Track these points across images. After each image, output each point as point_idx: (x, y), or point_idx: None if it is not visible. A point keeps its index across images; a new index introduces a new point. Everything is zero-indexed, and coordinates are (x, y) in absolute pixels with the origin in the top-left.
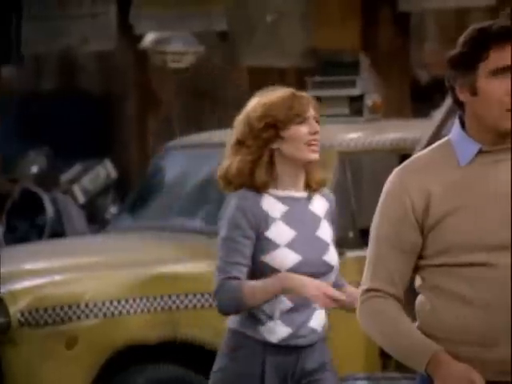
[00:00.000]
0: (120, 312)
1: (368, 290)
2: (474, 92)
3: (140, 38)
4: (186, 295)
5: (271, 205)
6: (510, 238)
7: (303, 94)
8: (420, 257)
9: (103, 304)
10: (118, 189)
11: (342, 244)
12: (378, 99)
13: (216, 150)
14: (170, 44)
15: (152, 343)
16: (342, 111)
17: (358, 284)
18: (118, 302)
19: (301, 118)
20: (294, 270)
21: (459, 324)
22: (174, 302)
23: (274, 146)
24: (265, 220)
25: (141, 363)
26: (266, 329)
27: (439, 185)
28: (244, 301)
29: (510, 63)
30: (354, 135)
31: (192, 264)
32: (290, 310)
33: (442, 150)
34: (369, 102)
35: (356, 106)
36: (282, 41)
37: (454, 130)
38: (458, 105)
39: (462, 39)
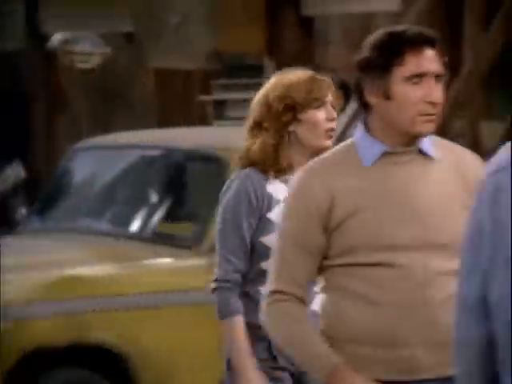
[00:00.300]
0: (28, 315)
1: (273, 292)
2: (387, 96)
3: (48, 37)
4: (93, 298)
5: (277, 187)
6: (409, 238)
7: (324, 77)
8: (324, 257)
9: (11, 307)
10: (28, 190)
11: None
12: None
13: (123, 151)
14: (78, 44)
15: (60, 347)
16: (247, 114)
17: None
18: (26, 305)
19: (319, 102)
20: None
21: (363, 325)
22: (80, 305)
23: (291, 128)
24: (268, 201)
25: (50, 367)
26: None
27: (343, 185)
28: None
29: (425, 69)
30: None
31: (98, 266)
32: None
33: (346, 152)
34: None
35: None
36: (188, 43)
37: (358, 132)
38: (365, 107)
39: (371, 43)
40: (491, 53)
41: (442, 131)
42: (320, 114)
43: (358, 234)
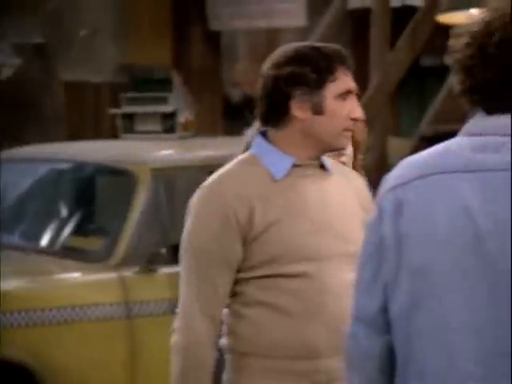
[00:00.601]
0: None
1: (200, 316)
2: (318, 111)
3: None
4: (3, 313)
5: None
6: (324, 249)
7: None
8: (239, 270)
9: None
10: None
11: (153, 260)
12: (191, 116)
13: (34, 164)
14: None
15: None
16: (155, 128)
17: (169, 301)
18: None
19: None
20: None
21: (280, 338)
22: None
23: None
24: None
25: None
26: None
27: (259, 197)
28: None
29: (351, 87)
30: (166, 152)
31: (7, 281)
32: None
33: (253, 165)
34: (181, 119)
35: (168, 123)
36: (97, 56)
37: (261, 145)
38: (278, 120)
39: (298, 58)
40: (397, 70)
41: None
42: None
43: (276, 245)
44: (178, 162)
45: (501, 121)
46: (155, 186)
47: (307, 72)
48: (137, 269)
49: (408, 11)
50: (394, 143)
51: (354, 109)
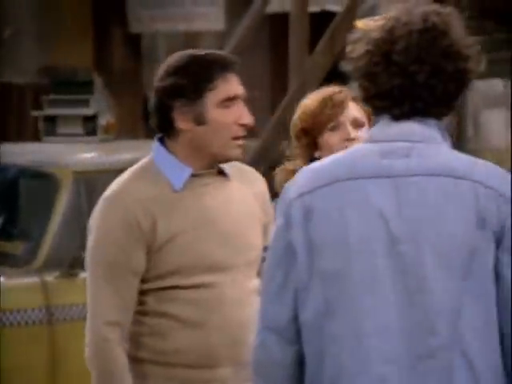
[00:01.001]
0: None
1: (106, 324)
2: (200, 121)
3: None
4: None
5: None
6: (225, 259)
7: (342, 92)
8: (143, 280)
9: None
10: None
11: (74, 264)
12: (112, 119)
13: None
14: None
15: None
16: (77, 130)
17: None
18: None
19: (332, 124)
20: None
21: (179, 346)
22: None
23: (317, 154)
24: None
25: None
26: None
27: (161, 208)
28: None
29: (234, 93)
30: (88, 155)
31: None
32: None
33: (151, 174)
34: (102, 121)
35: (90, 126)
36: (20, 57)
37: (159, 153)
38: (168, 132)
39: (176, 68)
40: (316, 75)
41: (268, 150)
42: (333, 137)
43: (180, 257)
44: (100, 165)
45: (406, 127)
46: (77, 189)
47: (185, 83)
48: (57, 273)
49: (327, 16)
50: None
51: (240, 115)
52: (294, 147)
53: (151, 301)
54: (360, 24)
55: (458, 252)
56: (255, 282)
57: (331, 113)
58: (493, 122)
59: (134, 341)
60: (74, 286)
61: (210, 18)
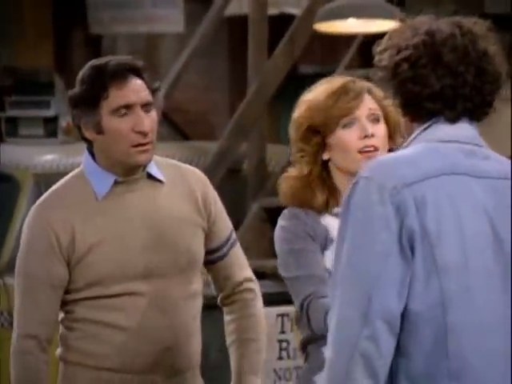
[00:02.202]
0: None
1: (25, 337)
2: (99, 130)
3: None
4: None
5: (330, 224)
6: (149, 267)
7: (358, 83)
8: (67, 291)
9: None
10: None
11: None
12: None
13: None
14: None
15: None
16: (37, 132)
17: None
18: None
19: (346, 120)
20: None
21: (111, 351)
22: None
23: (325, 156)
24: (324, 238)
25: None
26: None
27: (82, 219)
28: None
29: (130, 101)
30: (49, 157)
31: None
32: None
33: (79, 183)
34: (63, 123)
35: (51, 128)
36: None
37: (87, 163)
38: (86, 140)
39: (80, 77)
40: (275, 77)
41: (227, 153)
42: (348, 134)
43: (102, 266)
44: (60, 168)
45: (465, 130)
46: (38, 191)
47: (82, 92)
48: None
49: (286, 19)
50: (273, 150)
51: (136, 122)
52: (297, 151)
53: (80, 309)
54: (319, 27)
55: None
56: (194, 287)
57: (347, 106)
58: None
59: (65, 343)
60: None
61: (170, 20)
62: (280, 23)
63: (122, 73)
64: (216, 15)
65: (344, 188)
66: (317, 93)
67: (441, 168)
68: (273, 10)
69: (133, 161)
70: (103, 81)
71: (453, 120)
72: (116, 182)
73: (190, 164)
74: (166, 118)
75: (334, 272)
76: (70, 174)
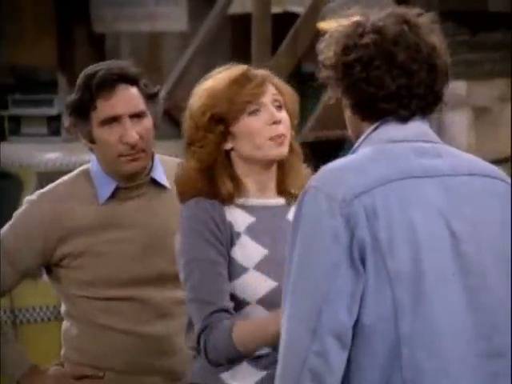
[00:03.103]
0: None
1: None
2: (91, 140)
3: None
4: None
5: (235, 216)
6: (146, 273)
7: (258, 71)
8: (67, 287)
9: None
10: None
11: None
12: None
13: None
14: None
15: None
16: (41, 131)
17: (54, 308)
18: None
19: (252, 107)
20: (268, 300)
21: (110, 351)
22: None
23: (227, 146)
24: (229, 234)
25: None
26: (231, 374)
27: (79, 222)
28: (237, 347)
29: (116, 113)
30: (52, 155)
31: None
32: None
33: (83, 184)
34: (66, 122)
35: (54, 126)
36: None
37: (93, 164)
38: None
39: (77, 83)
40: (278, 76)
41: None
42: (256, 121)
43: (97, 269)
44: (63, 166)
45: (417, 128)
46: (40, 189)
47: (75, 102)
48: None
49: (289, 18)
50: None
51: (123, 134)
52: (197, 141)
53: (77, 306)
54: (323, 26)
55: (509, 250)
56: (179, 294)
57: (252, 93)
58: (456, 124)
59: (66, 342)
60: (37, 289)
61: (173, 19)
62: (283, 22)
63: (110, 83)
64: (219, 13)
65: (246, 178)
66: (217, 80)
67: (390, 174)
68: (276, 9)
69: (122, 169)
70: (91, 92)
71: (406, 119)
72: (118, 188)
73: None
74: (168, 117)
75: (285, 280)
76: (78, 170)
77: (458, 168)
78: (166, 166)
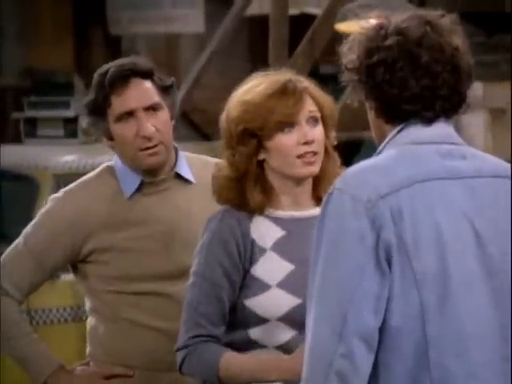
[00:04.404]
0: None
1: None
2: (110, 137)
3: None
4: None
5: (262, 230)
6: (172, 267)
7: (298, 82)
8: (100, 281)
9: None
10: None
11: None
12: None
13: None
14: None
15: None
16: (57, 133)
17: (71, 309)
18: None
19: (287, 125)
20: (290, 317)
21: (133, 349)
22: None
23: (260, 156)
24: (250, 252)
25: None
26: None
27: (102, 220)
28: (219, 375)
29: (130, 108)
30: (69, 157)
31: None
32: None
33: (108, 178)
34: (83, 124)
35: (70, 128)
36: (2, 58)
37: (117, 161)
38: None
39: (92, 84)
40: None
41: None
42: (287, 139)
43: (122, 265)
44: (80, 168)
45: (442, 130)
46: (57, 191)
47: (91, 101)
48: None
49: (306, 19)
50: None
51: (139, 127)
52: (230, 150)
53: (103, 301)
54: (339, 27)
55: None
56: None
57: (287, 112)
58: (472, 125)
59: (92, 341)
60: (54, 289)
61: (190, 20)
62: (300, 23)
63: (123, 78)
64: (236, 15)
65: (279, 188)
66: (254, 94)
67: (415, 175)
68: (293, 10)
69: (142, 164)
70: (105, 89)
71: (430, 121)
72: (143, 183)
73: None
74: (185, 118)
75: (310, 282)
76: (102, 167)
77: (482, 170)
78: (192, 164)
